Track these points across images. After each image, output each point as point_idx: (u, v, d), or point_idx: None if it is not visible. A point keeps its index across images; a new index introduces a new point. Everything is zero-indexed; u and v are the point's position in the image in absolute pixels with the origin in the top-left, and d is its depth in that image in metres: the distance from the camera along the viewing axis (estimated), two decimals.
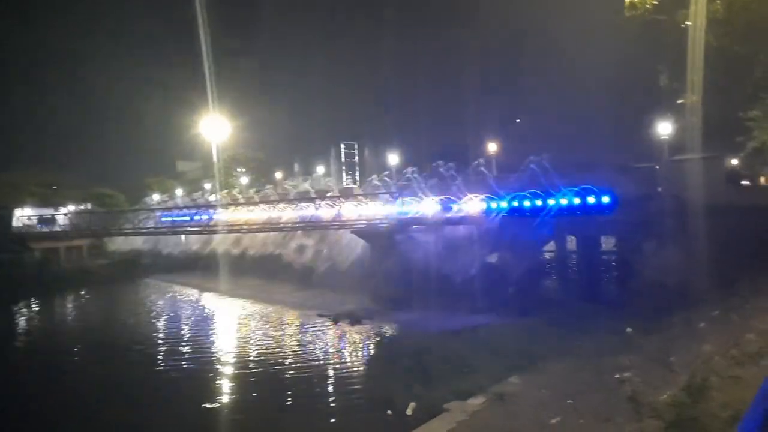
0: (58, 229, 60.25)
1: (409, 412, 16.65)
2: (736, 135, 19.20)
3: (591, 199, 30.67)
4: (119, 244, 64.48)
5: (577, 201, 31.05)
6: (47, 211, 65.79)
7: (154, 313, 40.10)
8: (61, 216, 63.83)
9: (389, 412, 17.16)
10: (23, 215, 63.31)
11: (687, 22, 9.81)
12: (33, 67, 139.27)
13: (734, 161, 41.86)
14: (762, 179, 45.12)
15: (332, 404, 19.25)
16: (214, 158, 60.62)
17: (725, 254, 22.50)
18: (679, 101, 13.33)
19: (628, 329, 21.07)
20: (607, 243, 34.74)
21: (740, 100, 14.07)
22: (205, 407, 19.36)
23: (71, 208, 69.75)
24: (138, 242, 64.23)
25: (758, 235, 23.19)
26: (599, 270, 31.66)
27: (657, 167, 37.95)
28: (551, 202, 31.39)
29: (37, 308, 44.62)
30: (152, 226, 58.87)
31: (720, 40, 10.14)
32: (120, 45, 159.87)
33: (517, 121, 64.78)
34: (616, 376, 15.90)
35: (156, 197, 75.81)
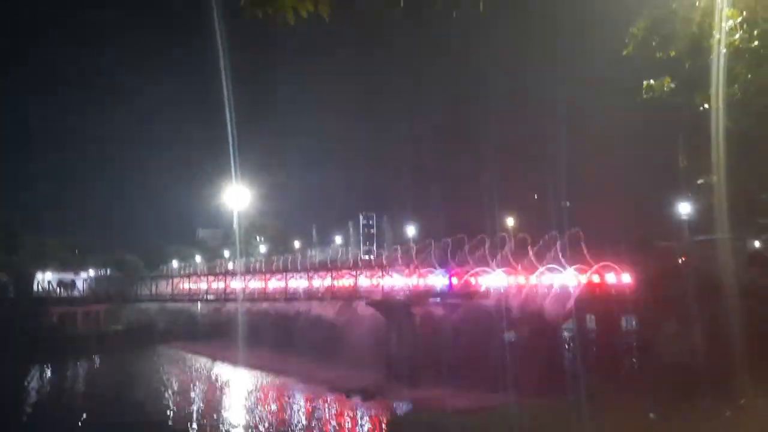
0: (76, 293, 60.61)
1: None
2: (757, 216, 19.03)
3: (611, 277, 30.38)
4: (136, 308, 64.57)
5: (597, 278, 30.78)
6: (67, 276, 66.35)
7: (164, 383, 39.58)
8: (81, 280, 64.34)
9: None
10: (44, 279, 63.89)
11: (705, 105, 9.87)
12: (60, 139, 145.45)
13: (756, 243, 41.22)
14: None
15: None
16: (235, 226, 61.16)
17: (748, 336, 21.86)
18: (699, 182, 13.26)
19: (651, 415, 20.33)
20: (628, 322, 34.00)
21: (758, 181, 13.98)
22: None
23: (91, 272, 70.38)
24: (154, 308, 64.35)
25: None
26: (619, 349, 30.87)
27: (677, 246, 37.59)
28: (571, 279, 31.11)
29: (49, 372, 44.41)
30: (169, 293, 58.99)
31: (738, 123, 10.19)
32: (144, 122, 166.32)
33: (535, 197, 64.75)
34: None
35: (175, 264, 76.37)
